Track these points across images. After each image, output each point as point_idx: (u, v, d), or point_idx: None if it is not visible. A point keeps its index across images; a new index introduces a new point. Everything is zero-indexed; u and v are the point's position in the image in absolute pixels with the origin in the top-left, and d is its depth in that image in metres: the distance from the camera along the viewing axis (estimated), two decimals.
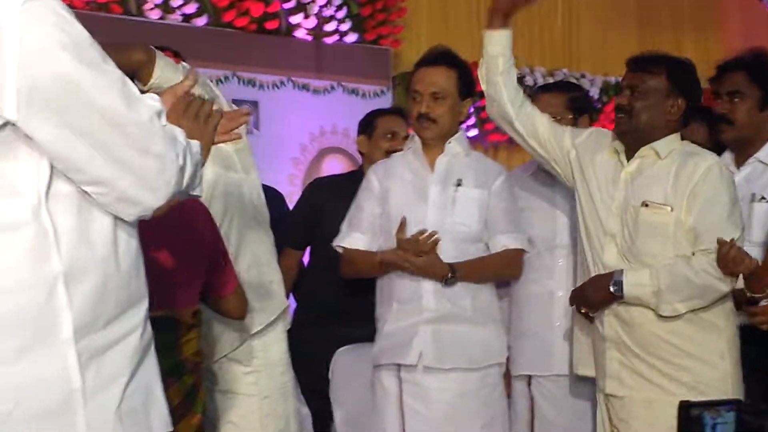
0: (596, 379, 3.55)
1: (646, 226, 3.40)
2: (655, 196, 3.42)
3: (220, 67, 6.03)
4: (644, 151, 3.48)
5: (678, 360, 3.38)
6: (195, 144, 1.93)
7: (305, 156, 6.59)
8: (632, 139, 3.49)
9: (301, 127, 6.59)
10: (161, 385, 1.96)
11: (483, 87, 3.71)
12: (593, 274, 3.48)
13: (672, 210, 3.39)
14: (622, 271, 3.39)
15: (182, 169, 1.85)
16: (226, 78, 6.12)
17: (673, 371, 3.37)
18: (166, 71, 3.00)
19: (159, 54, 3.04)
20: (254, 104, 6.25)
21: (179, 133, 1.89)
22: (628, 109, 3.48)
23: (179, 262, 2.88)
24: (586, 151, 3.61)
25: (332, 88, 6.76)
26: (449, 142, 3.82)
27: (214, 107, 2.24)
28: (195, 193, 1.96)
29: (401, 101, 7.01)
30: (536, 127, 3.66)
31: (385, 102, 6.89)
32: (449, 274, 3.68)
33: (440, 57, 3.87)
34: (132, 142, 1.78)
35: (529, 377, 3.92)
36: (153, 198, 1.83)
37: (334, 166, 6.58)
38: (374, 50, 6.96)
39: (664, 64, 3.54)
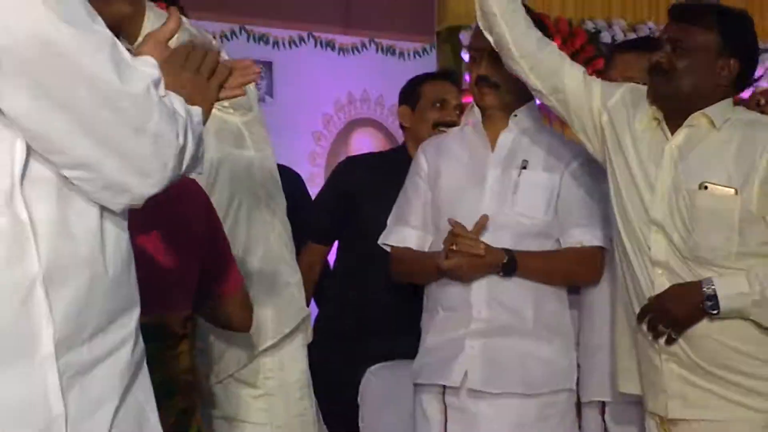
0: (644, 400, 3.53)
1: (706, 213, 3.38)
2: (716, 175, 3.39)
3: (226, 20, 6.08)
4: (695, 119, 3.44)
5: (761, 370, 3.38)
6: (196, 112, 1.94)
7: (330, 130, 6.64)
8: (673, 107, 3.46)
9: (324, 94, 6.64)
10: (155, 408, 1.98)
11: (480, 25, 3.66)
12: (639, 274, 3.45)
13: (737, 193, 3.37)
14: (710, 280, 3.34)
15: (182, 149, 1.86)
16: (233, 34, 6.17)
17: (756, 384, 3.36)
18: (157, 26, 3.01)
19: (149, 5, 3.05)
20: (268, 65, 6.31)
21: (179, 103, 1.89)
22: (668, 68, 3.43)
23: (165, 255, 2.87)
24: (621, 114, 3.57)
25: (363, 46, 6.81)
26: (515, 115, 3.76)
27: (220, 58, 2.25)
28: (197, 170, 1.99)
29: (449, 62, 7.03)
30: (559, 78, 3.61)
31: (429, 63, 6.92)
32: (505, 259, 3.64)
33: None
34: (124, 118, 1.79)
35: (603, 404, 3.87)
36: (146, 184, 1.85)
37: (366, 143, 6.65)
38: (417, 4, 7.00)
39: (715, 16, 3.49)
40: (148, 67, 1.86)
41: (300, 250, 4.28)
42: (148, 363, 2.02)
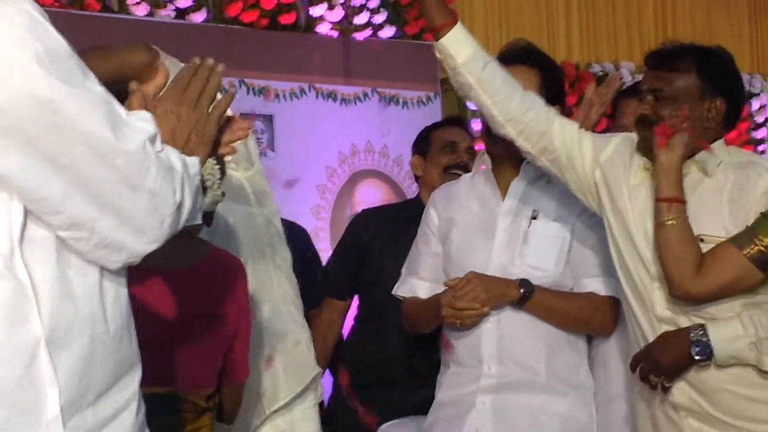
0: None
1: None
2: (710, 227, 3.36)
3: (225, 74, 6.02)
4: (686, 167, 3.40)
5: None
6: (192, 163, 1.94)
7: (334, 182, 6.64)
8: None
9: (327, 146, 6.65)
10: None
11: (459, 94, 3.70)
12: (646, 330, 3.41)
13: None
14: (700, 326, 3.30)
15: (180, 206, 1.87)
16: (232, 86, 6.12)
17: None
18: (172, 75, 3.03)
19: (164, 55, 3.07)
20: (268, 119, 6.35)
21: (175, 156, 1.89)
22: (654, 118, 3.39)
23: (198, 332, 2.91)
24: (615, 169, 3.53)
25: (365, 95, 6.82)
26: (526, 162, 3.73)
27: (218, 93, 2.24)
28: (195, 222, 1.98)
29: (453, 110, 7.05)
30: (548, 139, 3.55)
31: (433, 111, 6.96)
32: (522, 290, 3.61)
33: (520, 54, 3.79)
34: (120, 176, 1.80)
35: None
36: (142, 242, 1.85)
37: (371, 194, 6.66)
38: (417, 47, 6.99)
39: (692, 58, 3.45)
40: (143, 122, 1.86)
41: (314, 307, 4.30)
42: None
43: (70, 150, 1.76)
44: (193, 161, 1.94)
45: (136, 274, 2.00)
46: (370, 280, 4.55)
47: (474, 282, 3.61)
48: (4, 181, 1.75)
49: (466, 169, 4.56)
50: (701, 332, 3.30)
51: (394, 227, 4.60)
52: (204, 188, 2.85)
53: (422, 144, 4.76)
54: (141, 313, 2.13)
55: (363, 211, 5.35)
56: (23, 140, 1.74)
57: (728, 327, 3.31)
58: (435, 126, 4.94)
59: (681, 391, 3.38)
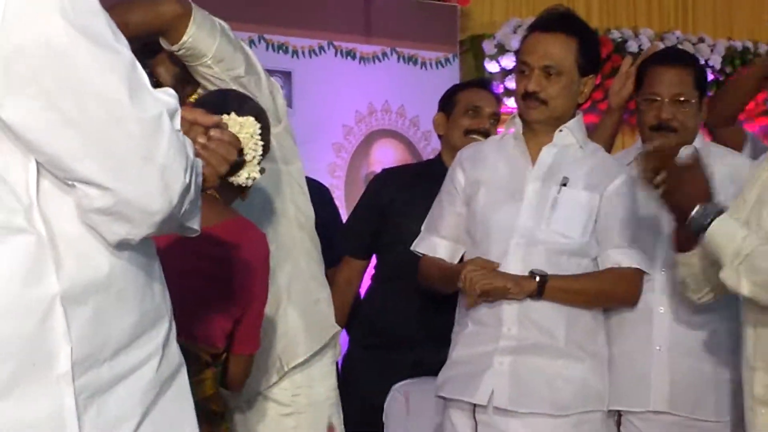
0: None
1: None
2: None
3: (244, 29, 5.97)
4: None
5: None
6: (199, 163, 1.93)
7: (350, 141, 6.61)
8: None
9: (345, 105, 6.61)
10: (195, 422, 2.00)
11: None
12: None
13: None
14: (718, 208, 3.21)
15: (186, 190, 1.85)
16: (252, 42, 6.09)
17: None
18: (202, 29, 3.04)
19: (197, 8, 3.07)
20: (287, 75, 6.30)
21: (189, 145, 1.89)
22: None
23: (212, 290, 2.92)
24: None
25: (384, 55, 6.78)
26: (560, 130, 3.74)
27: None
28: (191, 226, 1.95)
29: (471, 72, 7.04)
30: None
31: (452, 73, 6.92)
32: (536, 288, 3.62)
33: (558, 21, 3.79)
34: (132, 143, 1.78)
35: (619, 414, 3.86)
36: (146, 221, 1.83)
37: (387, 154, 6.62)
38: (438, 7, 6.97)
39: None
40: (167, 95, 1.86)
41: (333, 265, 4.33)
42: None
43: (82, 106, 1.75)
44: (200, 161, 1.94)
45: None
46: (390, 239, 4.56)
47: (487, 267, 3.64)
48: (19, 134, 1.75)
49: (487, 135, 4.52)
50: (711, 210, 3.22)
51: (416, 187, 4.58)
52: (243, 162, 2.88)
53: (447, 103, 4.76)
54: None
55: (384, 170, 5.33)
56: (37, 90, 1.73)
57: (735, 225, 3.23)
58: (463, 86, 4.95)
59: (760, 380, 3.33)
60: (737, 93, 3.89)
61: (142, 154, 1.78)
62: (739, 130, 4.09)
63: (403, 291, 4.42)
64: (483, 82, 5.01)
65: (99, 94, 1.76)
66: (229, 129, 2.77)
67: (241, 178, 2.79)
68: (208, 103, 2.93)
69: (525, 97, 3.74)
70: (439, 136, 4.83)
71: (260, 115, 2.96)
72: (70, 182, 1.78)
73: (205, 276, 2.90)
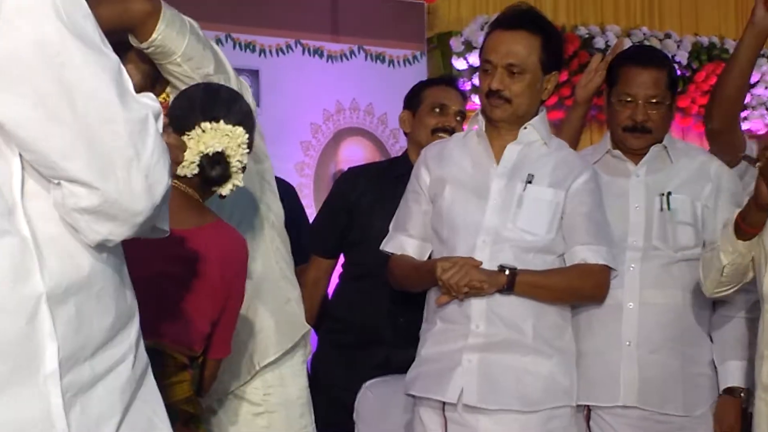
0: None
1: None
2: None
3: (211, 28, 5.89)
4: None
5: None
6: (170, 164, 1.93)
7: (318, 139, 6.61)
8: None
9: (312, 103, 6.60)
10: (166, 418, 2.00)
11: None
12: None
13: None
14: None
15: (169, 190, 1.87)
16: (219, 41, 6.05)
17: None
18: (171, 27, 3.02)
19: (166, 6, 3.07)
20: (254, 73, 6.29)
21: (166, 147, 1.89)
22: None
23: (189, 293, 2.92)
24: None
25: (351, 53, 6.78)
26: (525, 128, 3.75)
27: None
28: (162, 227, 1.96)
29: (439, 70, 7.05)
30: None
31: (419, 70, 6.92)
32: (505, 282, 3.62)
33: (520, 18, 3.79)
34: (119, 143, 1.79)
35: (588, 409, 3.88)
36: (129, 221, 1.83)
37: (355, 152, 6.62)
38: (404, 5, 6.97)
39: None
40: (149, 99, 1.87)
41: (305, 264, 4.34)
42: None
43: (73, 105, 1.75)
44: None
45: None
46: (358, 238, 4.55)
47: (465, 269, 3.62)
48: (7, 131, 1.75)
49: (453, 133, 4.49)
50: None
51: (382, 185, 4.58)
52: (229, 174, 2.87)
53: (413, 100, 4.74)
54: (134, 267, 2.13)
55: (350, 168, 5.31)
56: (29, 88, 1.73)
57: None
58: (428, 83, 4.93)
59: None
60: (735, 75, 3.87)
61: (129, 154, 1.78)
62: (743, 138, 4.06)
63: (372, 289, 4.41)
64: (449, 80, 5.01)
65: (90, 94, 1.77)
66: (217, 139, 2.77)
67: (226, 189, 2.80)
68: (197, 102, 2.95)
69: (489, 95, 3.73)
70: (405, 134, 4.81)
71: (248, 117, 3.00)
72: (56, 181, 1.78)
73: (184, 279, 2.90)
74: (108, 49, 1.81)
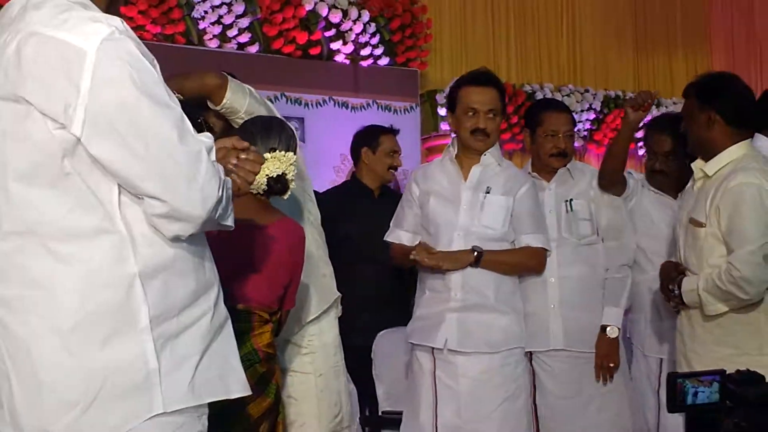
0: None
1: None
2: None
3: (270, 89, 5.99)
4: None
5: None
6: (229, 182, 1.90)
7: (345, 165, 6.52)
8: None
9: (341, 140, 6.41)
10: (238, 357, 1.98)
11: None
12: None
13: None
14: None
15: (219, 201, 1.83)
16: (276, 98, 6.05)
17: None
18: (236, 94, 3.03)
19: (231, 79, 3.06)
20: (300, 120, 6.25)
21: (221, 169, 1.87)
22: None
23: (269, 267, 2.91)
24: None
25: (368, 105, 6.73)
26: (485, 154, 3.79)
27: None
28: (226, 223, 1.91)
29: (428, 117, 7.04)
30: None
31: (414, 117, 6.89)
32: (474, 257, 3.63)
33: (490, 78, 3.79)
34: (180, 169, 1.77)
35: (531, 353, 3.87)
36: (191, 222, 1.82)
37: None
38: (404, 72, 6.94)
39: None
40: (205, 137, 1.85)
41: None
42: (237, 337, 2.02)
43: (145, 145, 1.75)
44: (229, 180, 1.92)
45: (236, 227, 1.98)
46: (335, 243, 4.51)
47: (439, 256, 3.65)
48: (103, 165, 1.75)
49: (396, 169, 4.84)
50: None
51: (343, 202, 4.63)
52: (288, 185, 2.86)
53: (373, 140, 4.79)
54: (227, 252, 2.11)
55: (329, 189, 5.23)
56: (115, 135, 1.73)
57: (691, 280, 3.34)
58: (382, 130, 4.92)
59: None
60: (616, 154, 3.84)
61: (188, 177, 1.78)
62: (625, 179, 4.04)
63: (359, 276, 4.45)
64: (395, 131, 4.98)
65: (157, 136, 1.76)
66: (277, 165, 2.76)
67: (286, 195, 2.82)
68: (257, 128, 2.94)
69: (475, 132, 3.72)
70: (363, 162, 4.83)
71: (292, 139, 2.98)
72: (139, 196, 1.79)
73: (264, 258, 2.89)
74: (173, 103, 1.81)
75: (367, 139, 4.82)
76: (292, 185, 2.83)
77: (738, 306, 3.23)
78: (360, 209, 4.56)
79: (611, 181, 3.87)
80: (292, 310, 3.17)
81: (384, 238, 3.93)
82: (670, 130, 3.83)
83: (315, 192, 4.34)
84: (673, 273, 3.43)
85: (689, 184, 3.51)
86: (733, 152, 3.29)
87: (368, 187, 4.77)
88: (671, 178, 3.85)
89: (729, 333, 3.27)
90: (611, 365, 3.85)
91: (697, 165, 3.40)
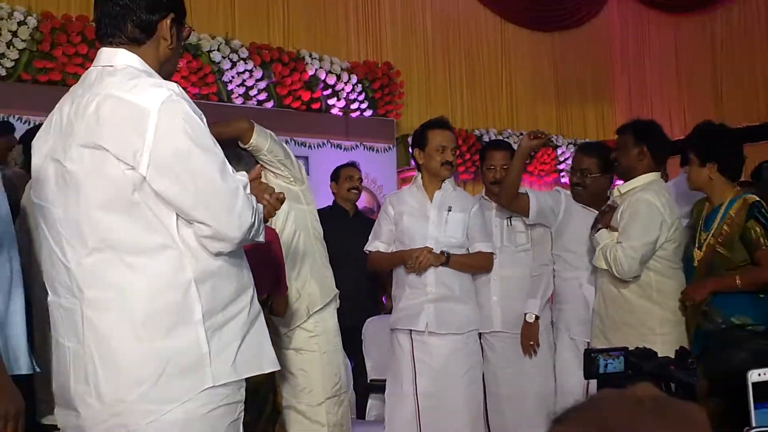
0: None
1: None
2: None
3: (282, 135, 5.75)
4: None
5: None
6: (261, 207, 1.88)
7: None
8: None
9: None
10: (269, 341, 1.96)
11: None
12: None
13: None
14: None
15: (252, 225, 1.80)
16: (286, 141, 5.94)
17: None
18: (260, 136, 3.02)
19: (256, 125, 3.08)
20: (305, 158, 6.23)
21: (254, 201, 1.84)
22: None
23: (265, 266, 2.83)
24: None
25: (356, 146, 6.73)
26: (445, 182, 3.76)
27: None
28: (258, 240, 1.87)
29: (402, 154, 7.06)
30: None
31: (392, 155, 6.90)
32: (444, 258, 3.62)
33: (445, 124, 3.78)
34: (222, 203, 1.75)
35: (480, 334, 3.85)
36: (230, 242, 1.79)
37: (361, 197, 6.56)
38: (383, 121, 6.95)
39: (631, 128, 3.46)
40: (242, 176, 1.84)
41: None
42: None
43: (195, 183, 1.73)
44: (261, 207, 1.89)
45: None
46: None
47: (425, 253, 3.63)
48: (163, 198, 1.74)
49: (359, 191, 5.00)
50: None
51: (325, 222, 4.59)
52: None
53: (335, 175, 5.05)
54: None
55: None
56: (172, 175, 1.72)
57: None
58: (342, 166, 5.11)
59: None
60: (511, 172, 3.71)
61: (228, 208, 1.75)
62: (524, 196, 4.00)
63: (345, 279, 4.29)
64: (350, 163, 5.07)
65: (204, 176, 1.74)
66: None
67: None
68: (231, 159, 2.82)
69: (444, 164, 3.71)
70: (333, 192, 5.01)
71: (251, 163, 2.89)
72: (191, 222, 1.77)
73: (260, 257, 2.77)
74: (217, 149, 1.78)
75: (332, 175, 5.05)
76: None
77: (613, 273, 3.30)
78: (340, 225, 4.57)
79: (507, 195, 3.72)
80: (302, 304, 3.14)
81: (365, 249, 3.87)
82: (584, 152, 3.81)
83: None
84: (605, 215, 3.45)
85: (610, 201, 3.56)
86: (646, 179, 3.36)
87: (343, 207, 4.91)
88: (587, 191, 3.76)
89: (633, 316, 3.30)
90: (531, 343, 3.81)
91: (617, 189, 3.46)
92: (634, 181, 3.37)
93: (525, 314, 3.82)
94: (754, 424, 0.97)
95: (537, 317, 3.81)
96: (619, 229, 3.31)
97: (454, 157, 3.74)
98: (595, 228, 3.44)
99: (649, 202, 3.26)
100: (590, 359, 2.15)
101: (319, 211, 4.90)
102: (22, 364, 2.02)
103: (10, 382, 1.68)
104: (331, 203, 5.17)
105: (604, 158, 3.68)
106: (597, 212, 3.61)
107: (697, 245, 3.21)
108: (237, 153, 2.93)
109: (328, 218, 4.56)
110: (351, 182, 4.90)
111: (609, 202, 3.55)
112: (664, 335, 3.20)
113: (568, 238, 3.77)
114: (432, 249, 3.64)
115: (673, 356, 2.02)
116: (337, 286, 3.31)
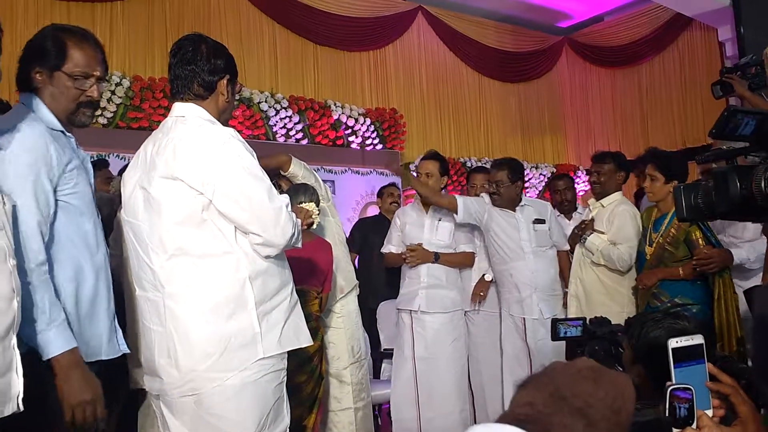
0: None
1: None
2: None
3: (315, 164, 5.78)
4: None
5: None
6: (298, 222, 1.85)
7: (359, 206, 6.55)
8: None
9: (355, 193, 6.56)
10: (305, 323, 1.94)
11: None
12: None
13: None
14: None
15: (293, 235, 1.77)
16: (317, 169, 5.86)
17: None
18: (296, 166, 3.03)
19: (293, 157, 3.08)
20: (332, 182, 6.24)
21: (294, 215, 1.82)
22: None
23: (313, 264, 2.88)
24: None
25: (370, 172, 6.71)
26: None
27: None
28: (298, 246, 1.83)
29: (405, 178, 7.05)
30: None
31: (397, 178, 6.78)
32: (434, 256, 3.61)
33: (432, 156, 3.77)
34: (269, 219, 1.72)
35: (465, 312, 3.82)
36: (276, 248, 1.75)
37: (373, 211, 6.50)
38: (390, 152, 6.92)
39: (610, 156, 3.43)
40: (285, 198, 1.81)
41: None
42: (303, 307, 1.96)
43: (249, 203, 1.70)
44: (299, 221, 1.86)
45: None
46: (363, 252, 4.52)
47: (419, 250, 3.62)
48: (224, 215, 1.72)
49: (398, 204, 4.82)
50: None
51: (372, 227, 4.65)
52: (312, 219, 2.81)
53: (381, 193, 5.03)
54: (294, 260, 2.08)
55: (360, 219, 5.37)
56: (230, 197, 1.70)
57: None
58: (385, 186, 5.14)
59: None
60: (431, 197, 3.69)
61: (275, 222, 1.73)
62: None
63: (375, 271, 4.43)
64: (394, 184, 5.16)
65: (255, 198, 1.71)
66: (306, 208, 2.64)
67: (314, 226, 2.73)
68: (298, 191, 2.88)
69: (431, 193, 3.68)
70: (378, 206, 4.96)
71: (315, 194, 2.91)
72: (246, 233, 1.75)
73: (312, 261, 2.85)
74: (265, 177, 1.76)
75: (378, 193, 5.06)
76: (316, 221, 2.76)
77: (611, 268, 3.26)
78: (377, 232, 4.54)
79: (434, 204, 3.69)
80: (330, 293, 3.13)
81: (381, 251, 3.92)
82: (496, 167, 3.69)
83: (360, 220, 4.31)
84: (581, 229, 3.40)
85: (585, 213, 3.53)
86: (619, 195, 3.42)
87: (386, 217, 4.86)
88: (501, 199, 3.65)
89: (606, 296, 3.31)
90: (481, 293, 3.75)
91: (592, 202, 3.44)
92: (612, 196, 3.41)
93: (483, 275, 3.75)
94: (674, 381, 0.96)
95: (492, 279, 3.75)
96: (612, 233, 3.29)
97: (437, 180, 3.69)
98: (583, 234, 3.39)
99: (633, 213, 3.29)
100: (554, 327, 2.14)
101: (366, 220, 5.17)
102: (104, 350, 1.95)
103: (86, 371, 1.51)
104: (377, 213, 5.21)
105: (513, 170, 3.61)
106: (512, 211, 3.59)
107: (648, 243, 3.19)
108: (304, 186, 2.92)
109: (376, 226, 4.68)
110: (392, 198, 4.95)
111: (584, 214, 3.51)
112: (623, 312, 3.19)
113: (497, 235, 3.73)
114: (423, 246, 3.66)
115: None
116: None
